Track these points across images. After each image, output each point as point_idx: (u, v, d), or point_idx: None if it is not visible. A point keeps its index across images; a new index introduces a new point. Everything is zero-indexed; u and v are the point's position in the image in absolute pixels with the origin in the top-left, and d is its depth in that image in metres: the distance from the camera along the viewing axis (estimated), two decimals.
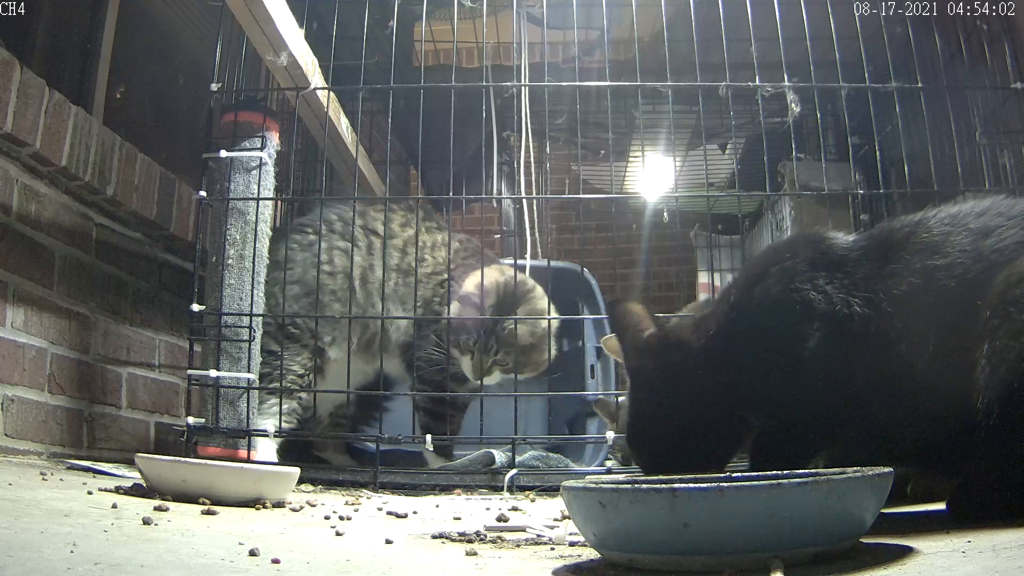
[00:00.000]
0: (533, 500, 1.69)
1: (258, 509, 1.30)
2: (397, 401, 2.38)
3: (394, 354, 2.23)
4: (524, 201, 2.89)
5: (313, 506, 1.41)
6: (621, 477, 1.65)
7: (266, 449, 1.95)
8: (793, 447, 1.12)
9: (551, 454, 2.08)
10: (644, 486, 0.78)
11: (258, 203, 1.95)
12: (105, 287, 2.06)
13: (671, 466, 1.11)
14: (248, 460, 1.83)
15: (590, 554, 0.91)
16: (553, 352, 2.22)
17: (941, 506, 1.10)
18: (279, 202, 2.35)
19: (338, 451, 2.31)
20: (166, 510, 1.14)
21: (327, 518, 1.26)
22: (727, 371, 1.15)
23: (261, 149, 1.98)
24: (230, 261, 1.92)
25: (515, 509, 1.47)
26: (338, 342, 2.18)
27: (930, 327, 1.04)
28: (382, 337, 2.18)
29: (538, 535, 1.11)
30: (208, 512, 1.17)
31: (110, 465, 1.71)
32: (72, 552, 0.76)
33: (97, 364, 2.02)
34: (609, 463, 2.09)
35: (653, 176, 3.76)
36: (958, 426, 1.00)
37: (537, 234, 2.76)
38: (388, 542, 1.03)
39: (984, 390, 0.97)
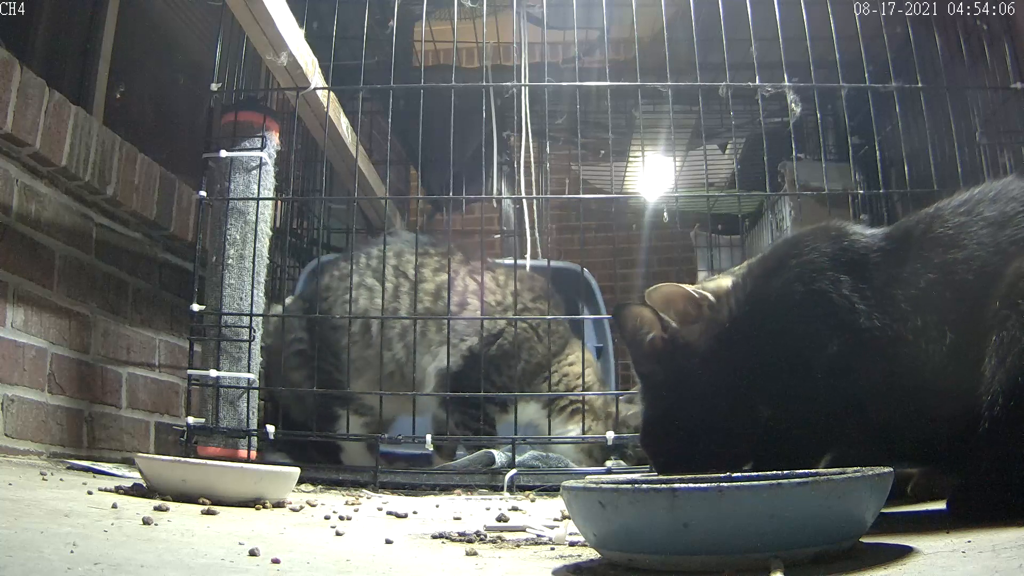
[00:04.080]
0: (533, 500, 1.69)
1: (258, 509, 1.30)
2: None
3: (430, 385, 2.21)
4: (524, 201, 2.90)
5: (313, 506, 1.41)
6: (621, 477, 1.65)
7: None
8: (797, 448, 1.11)
9: (551, 454, 2.08)
10: (644, 486, 0.78)
11: (258, 203, 1.96)
12: (105, 287, 2.06)
13: (689, 470, 1.10)
14: (248, 460, 1.84)
15: (590, 554, 0.91)
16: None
17: (941, 506, 1.09)
18: (279, 202, 2.35)
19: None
20: (166, 510, 1.14)
21: (327, 518, 1.26)
22: (740, 366, 1.12)
23: (261, 149, 1.99)
24: (230, 261, 1.92)
25: (515, 509, 1.47)
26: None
27: (948, 324, 1.03)
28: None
29: (538, 535, 1.11)
30: (208, 512, 1.17)
31: (110, 465, 1.71)
32: (72, 552, 0.76)
33: (97, 364, 2.02)
34: (609, 463, 2.08)
35: (653, 176, 3.76)
36: (963, 424, 0.99)
37: (537, 234, 2.77)
38: (388, 542, 1.03)
39: (989, 383, 0.96)
